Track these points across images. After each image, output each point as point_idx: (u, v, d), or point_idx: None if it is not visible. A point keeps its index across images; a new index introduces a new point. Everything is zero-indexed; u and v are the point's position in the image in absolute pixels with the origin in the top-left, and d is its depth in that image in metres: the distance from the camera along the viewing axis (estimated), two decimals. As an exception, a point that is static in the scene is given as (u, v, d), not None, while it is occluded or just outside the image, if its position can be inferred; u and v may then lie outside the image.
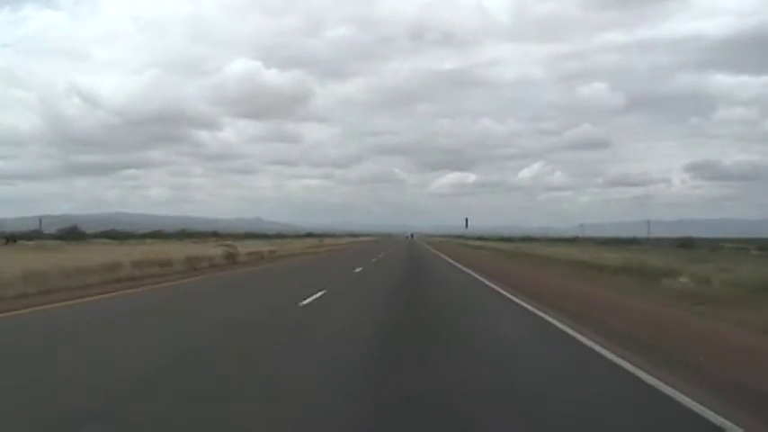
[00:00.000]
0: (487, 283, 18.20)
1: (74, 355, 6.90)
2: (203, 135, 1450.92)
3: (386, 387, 5.45)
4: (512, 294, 14.47)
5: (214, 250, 30.40)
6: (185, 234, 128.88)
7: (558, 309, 11.41)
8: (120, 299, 13.06)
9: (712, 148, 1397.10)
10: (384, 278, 19.64)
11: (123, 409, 4.66)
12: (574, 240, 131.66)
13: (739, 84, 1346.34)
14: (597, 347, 7.50)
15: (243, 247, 46.49)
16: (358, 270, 23.22)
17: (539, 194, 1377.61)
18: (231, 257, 26.53)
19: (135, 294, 14.03)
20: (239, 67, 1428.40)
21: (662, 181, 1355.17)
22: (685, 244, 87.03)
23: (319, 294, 13.41)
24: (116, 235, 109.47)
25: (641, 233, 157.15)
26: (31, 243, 64.78)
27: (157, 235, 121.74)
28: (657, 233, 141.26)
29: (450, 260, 35.97)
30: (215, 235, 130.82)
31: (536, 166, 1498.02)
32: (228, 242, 72.32)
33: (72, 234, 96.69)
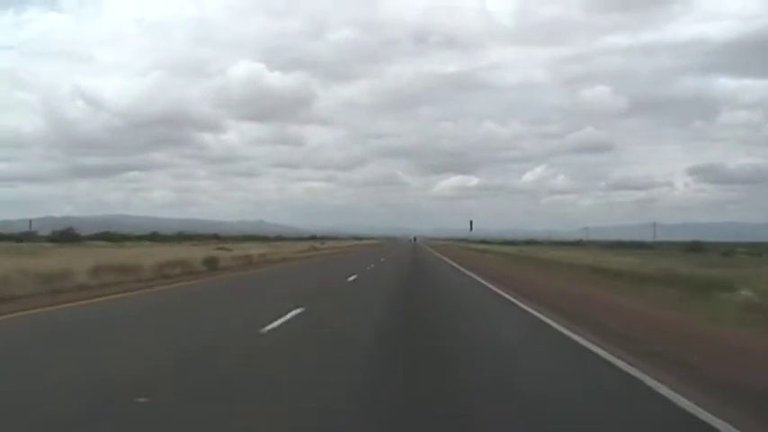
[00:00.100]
0: (514, 300, 13.86)
1: None
2: (206, 137, 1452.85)
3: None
4: (547, 317, 11.63)
5: (196, 255, 27.74)
6: (184, 236, 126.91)
7: (614, 337, 8.53)
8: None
9: (716, 151, 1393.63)
10: (380, 291, 16.56)
11: None
12: (579, 244, 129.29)
13: (743, 87, 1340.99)
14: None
15: (240, 250, 44.81)
16: (351, 279, 20.39)
17: (542, 198, 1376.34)
18: (211, 263, 23.77)
19: (35, 316, 10.50)
20: (243, 70, 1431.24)
21: (665, 184, 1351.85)
22: (694, 248, 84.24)
23: (293, 315, 10.55)
24: (113, 237, 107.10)
25: (645, 236, 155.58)
26: (12, 245, 61.97)
27: (155, 237, 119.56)
28: (661, 237, 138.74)
29: (458, 265, 33.15)
30: (216, 237, 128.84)
31: (539, 170, 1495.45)
32: (225, 245, 70.41)
33: (66, 236, 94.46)
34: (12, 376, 6.05)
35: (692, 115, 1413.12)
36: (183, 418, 4.58)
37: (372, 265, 31.55)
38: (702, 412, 4.75)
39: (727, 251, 77.38)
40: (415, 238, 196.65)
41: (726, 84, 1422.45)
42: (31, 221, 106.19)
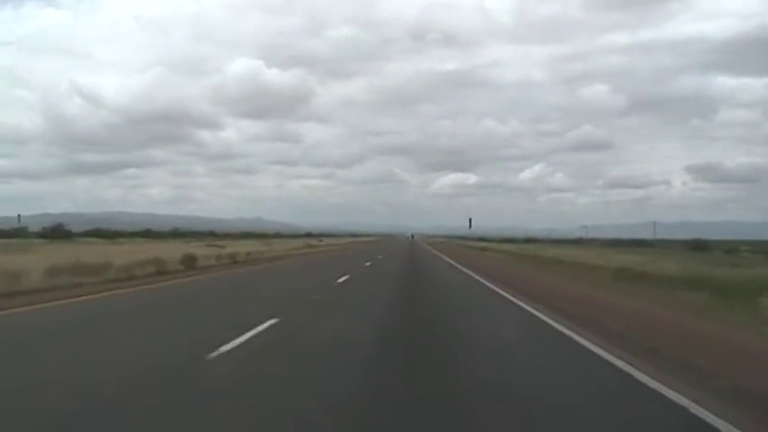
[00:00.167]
0: (534, 312, 11.36)
1: None
2: (205, 135, 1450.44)
3: None
4: (573, 331, 9.67)
5: (180, 253, 25.81)
6: (179, 233, 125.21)
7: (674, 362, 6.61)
8: None
9: (714, 150, 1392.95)
10: (373, 295, 14.61)
11: None
12: (578, 242, 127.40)
13: (741, 86, 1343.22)
14: None
15: (233, 248, 43.05)
16: (342, 280, 18.41)
17: (540, 196, 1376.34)
18: (189, 262, 21.79)
19: None
20: (241, 67, 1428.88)
21: (663, 183, 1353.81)
22: (697, 246, 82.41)
23: (261, 329, 8.53)
24: (105, 234, 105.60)
25: (643, 235, 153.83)
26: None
27: (149, 234, 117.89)
28: (660, 235, 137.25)
29: (456, 263, 31.20)
30: (212, 234, 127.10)
31: (537, 168, 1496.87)
32: (218, 243, 68.50)
33: (57, 232, 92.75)
34: None
35: (691, 114, 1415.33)
36: None
37: (368, 263, 29.64)
38: None
39: (730, 249, 75.79)
40: (412, 236, 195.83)
41: (724, 82, 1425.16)
42: (19, 216, 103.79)
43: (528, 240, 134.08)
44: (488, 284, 18.05)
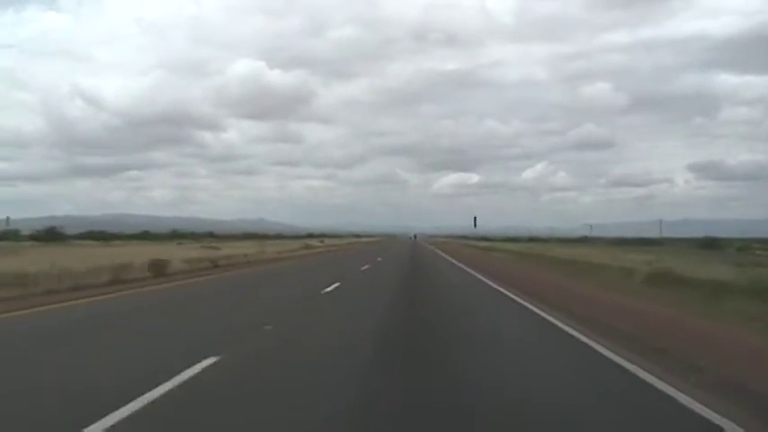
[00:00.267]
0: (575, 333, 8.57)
1: None
2: (207, 136, 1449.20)
3: None
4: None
5: (156, 257, 23.10)
6: (177, 235, 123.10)
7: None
8: None
9: (716, 147, 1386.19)
10: (359, 317, 11.18)
11: None
12: (584, 240, 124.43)
13: (743, 83, 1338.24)
14: None
15: (229, 250, 40.75)
16: (329, 289, 15.59)
17: (543, 195, 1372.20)
18: (157, 268, 18.96)
19: None
20: (242, 68, 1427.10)
21: (665, 181, 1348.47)
22: (708, 244, 79.49)
23: (187, 376, 5.68)
24: (100, 236, 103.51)
25: (647, 233, 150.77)
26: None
27: (146, 236, 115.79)
28: (664, 233, 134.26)
29: (467, 267, 28.36)
30: (211, 236, 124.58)
31: (539, 167, 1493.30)
32: (215, 244, 65.90)
33: (51, 235, 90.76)
34: None
35: (693, 112, 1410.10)
36: None
37: (366, 267, 26.82)
38: None
39: (742, 247, 72.81)
40: (415, 236, 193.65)
41: (726, 80, 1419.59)
42: (8, 219, 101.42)
43: (531, 239, 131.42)
44: (510, 294, 15.20)
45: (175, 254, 27.64)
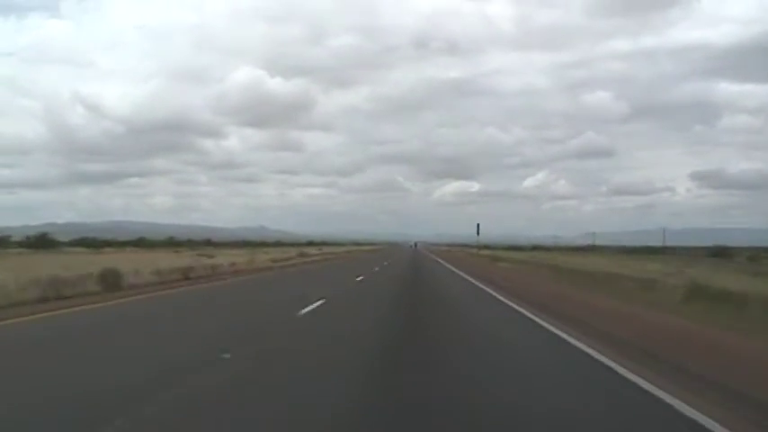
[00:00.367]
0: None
1: None
2: (208, 144, 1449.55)
3: None
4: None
5: (137, 266, 20.25)
6: (173, 242, 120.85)
7: None
8: None
9: (717, 156, 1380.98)
10: (351, 346, 8.51)
11: None
12: (589, 249, 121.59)
13: (744, 92, 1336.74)
14: None
15: (223, 257, 38.21)
16: (311, 308, 12.56)
17: (544, 203, 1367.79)
18: (111, 281, 15.96)
19: None
20: (243, 76, 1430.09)
21: (667, 189, 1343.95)
22: (718, 253, 76.63)
23: None
24: (93, 243, 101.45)
25: (650, 241, 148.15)
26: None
27: (142, 243, 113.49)
28: (666, 242, 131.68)
29: (475, 281, 25.39)
30: (208, 243, 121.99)
31: (541, 175, 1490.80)
32: (208, 252, 63.21)
33: (41, 242, 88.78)
34: None
35: (694, 120, 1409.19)
36: None
37: (360, 278, 23.86)
38: None
39: (752, 257, 69.92)
40: (416, 244, 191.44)
41: (727, 88, 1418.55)
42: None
43: (535, 248, 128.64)
44: (541, 322, 12.21)
45: (158, 263, 24.74)
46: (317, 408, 5.01)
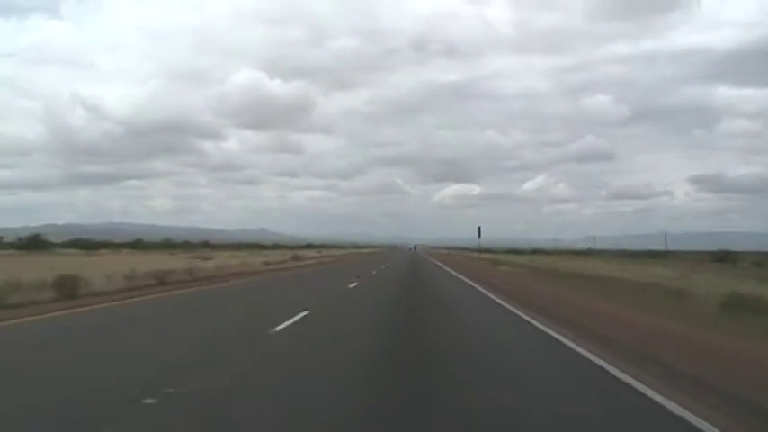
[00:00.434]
0: None
1: None
2: (207, 145, 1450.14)
3: None
4: None
5: (120, 269, 18.44)
6: (170, 244, 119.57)
7: None
8: None
9: (717, 160, 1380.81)
10: (332, 377, 6.60)
11: None
12: (590, 253, 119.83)
13: (743, 96, 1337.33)
14: None
15: (219, 259, 36.73)
16: (289, 323, 10.64)
17: (543, 206, 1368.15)
18: (67, 288, 14.07)
19: None
20: (243, 78, 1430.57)
21: (666, 193, 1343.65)
22: (722, 258, 74.89)
23: None
24: (87, 245, 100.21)
25: (650, 245, 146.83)
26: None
27: (138, 245, 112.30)
28: (666, 246, 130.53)
29: (478, 285, 23.55)
30: (206, 246, 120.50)
31: (540, 179, 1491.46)
32: (204, 254, 61.52)
33: (34, 243, 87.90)
34: None
35: (693, 124, 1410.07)
36: None
37: (354, 284, 22.00)
38: None
39: (758, 261, 68.21)
40: (415, 247, 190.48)
41: (726, 93, 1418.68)
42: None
43: (535, 251, 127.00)
44: (560, 338, 10.37)
45: (143, 266, 22.90)
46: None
